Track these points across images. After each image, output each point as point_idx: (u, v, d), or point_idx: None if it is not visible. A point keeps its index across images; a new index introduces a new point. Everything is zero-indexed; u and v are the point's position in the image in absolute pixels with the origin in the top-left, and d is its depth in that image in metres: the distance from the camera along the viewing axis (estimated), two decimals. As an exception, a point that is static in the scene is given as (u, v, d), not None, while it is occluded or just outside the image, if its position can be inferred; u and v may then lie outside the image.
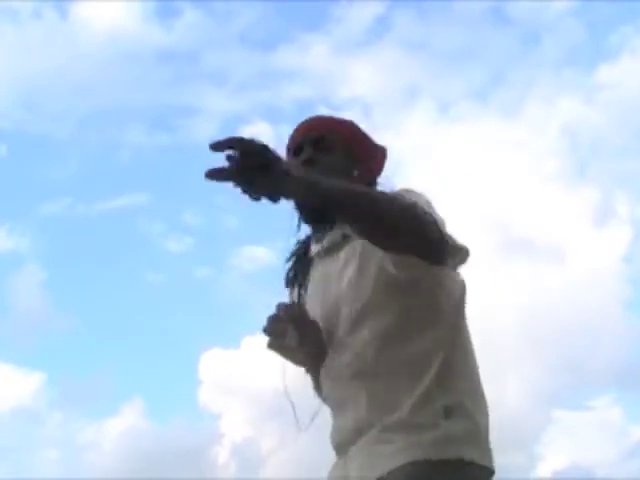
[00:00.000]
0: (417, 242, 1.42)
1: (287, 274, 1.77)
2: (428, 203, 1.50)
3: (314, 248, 1.70)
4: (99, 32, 10.35)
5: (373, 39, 10.95)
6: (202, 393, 9.72)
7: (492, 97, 10.88)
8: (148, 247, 10.97)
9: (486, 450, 1.52)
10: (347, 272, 1.59)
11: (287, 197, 1.34)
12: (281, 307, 1.63)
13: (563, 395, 9.66)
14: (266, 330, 1.63)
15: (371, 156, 1.75)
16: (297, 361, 1.69)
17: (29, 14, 10.50)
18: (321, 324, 1.62)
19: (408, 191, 1.53)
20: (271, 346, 1.64)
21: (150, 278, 10.87)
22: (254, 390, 9.79)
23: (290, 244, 1.76)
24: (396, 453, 1.46)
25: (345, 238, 1.62)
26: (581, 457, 8.68)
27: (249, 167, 1.25)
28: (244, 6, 10.71)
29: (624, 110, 10.45)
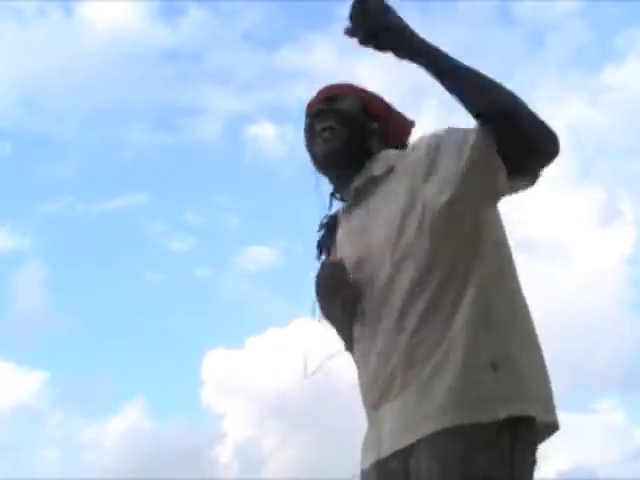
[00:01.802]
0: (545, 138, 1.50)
1: (318, 243, 1.74)
2: None
3: (340, 207, 1.71)
4: (103, 31, 10.36)
5: (377, 39, 10.89)
6: (204, 393, 9.73)
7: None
8: (150, 247, 10.97)
9: (543, 404, 1.42)
10: (383, 215, 1.55)
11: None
12: (326, 265, 1.62)
13: (566, 397, 9.60)
14: (318, 291, 1.59)
15: (392, 119, 1.76)
16: (342, 323, 1.62)
17: (33, 13, 10.53)
18: (356, 272, 1.56)
19: None
20: (323, 310, 1.60)
21: (152, 278, 10.87)
22: (256, 390, 9.80)
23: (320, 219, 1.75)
24: (434, 415, 1.37)
25: (372, 181, 1.63)
26: (584, 459, 8.65)
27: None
28: (248, 5, 10.71)
29: (629, 111, 10.43)
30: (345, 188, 1.68)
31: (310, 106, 1.78)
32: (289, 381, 9.42)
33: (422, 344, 1.43)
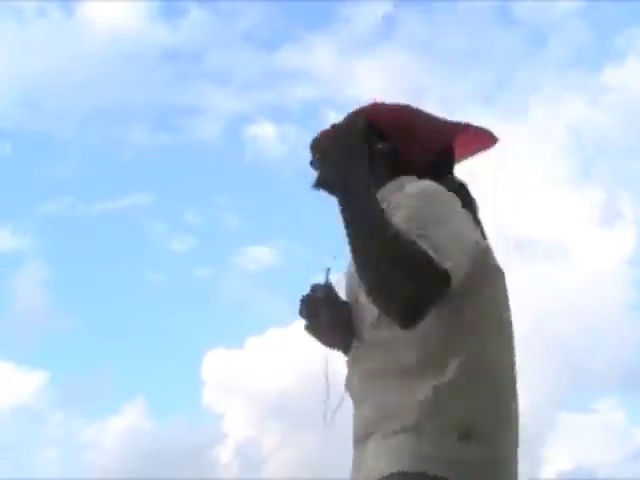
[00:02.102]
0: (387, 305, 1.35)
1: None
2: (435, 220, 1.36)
3: None
4: (103, 31, 10.36)
5: (378, 39, 10.94)
6: (205, 393, 9.73)
7: (498, 98, 10.85)
8: (150, 247, 10.97)
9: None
10: None
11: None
12: (314, 287, 1.55)
13: (567, 397, 9.64)
14: (300, 312, 1.56)
15: (408, 132, 1.57)
16: (329, 344, 1.60)
17: (33, 13, 10.52)
18: (351, 307, 1.53)
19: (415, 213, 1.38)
20: (307, 329, 1.58)
21: (152, 278, 10.88)
22: (257, 390, 9.80)
23: None
24: (386, 461, 1.38)
25: None
26: (585, 459, 8.66)
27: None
28: (249, 5, 10.72)
29: (630, 111, 10.42)
30: None
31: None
32: (289, 381, 9.44)
33: (392, 398, 1.41)
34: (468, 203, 1.52)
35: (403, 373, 1.41)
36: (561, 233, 9.96)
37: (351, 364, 1.53)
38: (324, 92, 10.95)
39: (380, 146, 1.56)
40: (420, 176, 1.53)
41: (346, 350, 1.56)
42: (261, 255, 10.69)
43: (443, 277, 1.30)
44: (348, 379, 1.54)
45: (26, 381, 9.80)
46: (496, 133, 1.63)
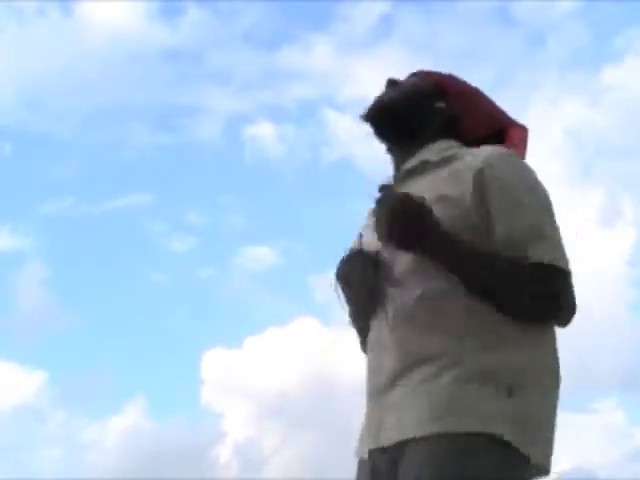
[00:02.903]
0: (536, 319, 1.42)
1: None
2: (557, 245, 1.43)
3: (393, 175, 1.58)
4: (103, 31, 10.37)
5: (377, 39, 10.94)
6: (204, 392, 9.73)
7: (497, 98, 10.82)
8: (151, 247, 10.98)
9: (540, 444, 1.36)
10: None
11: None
12: (352, 252, 1.52)
13: (566, 397, 9.59)
14: (339, 274, 1.52)
15: (471, 105, 1.61)
16: (355, 305, 1.55)
17: (33, 13, 10.53)
18: (382, 253, 1.48)
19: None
20: (340, 278, 1.52)
21: (153, 278, 10.88)
22: (256, 390, 9.80)
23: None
24: (441, 417, 1.33)
25: (424, 165, 1.52)
26: (584, 459, 8.65)
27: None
28: (248, 5, 10.73)
29: (629, 112, 10.44)
30: (399, 160, 1.58)
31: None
32: (289, 381, 9.44)
33: (434, 343, 1.39)
34: None
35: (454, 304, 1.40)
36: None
37: (382, 314, 1.47)
38: (323, 91, 10.97)
39: (440, 105, 1.59)
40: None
41: (365, 318, 1.52)
42: (261, 255, 10.71)
43: (568, 277, 1.42)
44: (376, 330, 1.49)
45: (27, 381, 9.82)
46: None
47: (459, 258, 1.39)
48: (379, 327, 1.48)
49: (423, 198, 1.37)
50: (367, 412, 1.48)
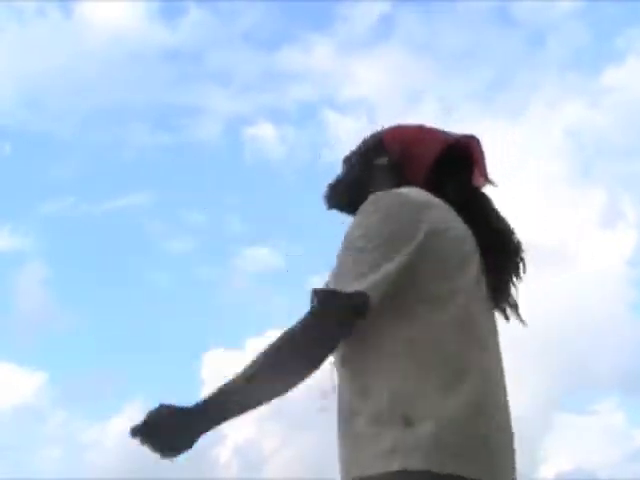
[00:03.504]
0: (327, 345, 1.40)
1: None
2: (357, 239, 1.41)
3: None
4: (103, 31, 10.36)
5: (377, 39, 10.94)
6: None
7: (497, 98, 10.86)
8: (151, 247, 10.98)
9: (440, 455, 1.32)
10: None
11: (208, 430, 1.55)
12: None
13: (566, 398, 9.64)
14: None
15: (410, 150, 1.60)
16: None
17: (33, 13, 10.52)
18: None
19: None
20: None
21: (153, 278, 10.88)
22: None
23: None
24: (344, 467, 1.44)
25: None
26: (584, 460, 8.66)
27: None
28: (248, 6, 10.72)
29: (630, 112, 10.43)
30: None
31: None
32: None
33: (346, 394, 1.45)
34: (477, 211, 1.53)
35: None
36: (562, 235, 9.98)
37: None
38: (323, 92, 10.97)
39: (379, 161, 1.61)
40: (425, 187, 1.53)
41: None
42: (262, 256, 10.70)
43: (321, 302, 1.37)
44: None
45: (27, 381, 9.82)
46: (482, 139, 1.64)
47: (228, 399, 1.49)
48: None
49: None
50: None
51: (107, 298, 10.35)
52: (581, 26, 10.26)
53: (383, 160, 1.61)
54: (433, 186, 1.53)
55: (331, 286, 1.39)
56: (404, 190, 1.49)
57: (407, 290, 1.39)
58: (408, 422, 1.33)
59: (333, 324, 1.37)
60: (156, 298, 10.53)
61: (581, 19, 10.58)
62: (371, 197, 1.46)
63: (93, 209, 10.76)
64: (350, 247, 1.42)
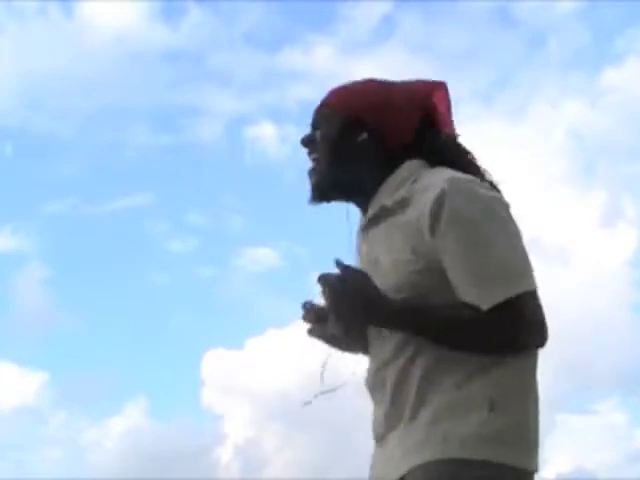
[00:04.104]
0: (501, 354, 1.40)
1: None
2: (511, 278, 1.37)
3: (361, 222, 1.56)
4: (104, 31, 10.35)
5: (378, 40, 10.93)
6: (204, 393, 9.72)
7: (497, 99, 10.85)
8: (152, 247, 10.96)
9: (525, 450, 1.37)
10: (378, 252, 1.47)
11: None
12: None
13: (567, 398, 9.63)
14: (304, 317, 1.55)
15: (387, 118, 1.51)
16: (341, 347, 1.58)
17: (34, 12, 10.50)
18: None
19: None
20: (311, 333, 1.56)
21: (154, 278, 10.87)
22: (257, 391, 9.79)
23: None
24: (419, 448, 1.36)
25: (382, 211, 1.48)
26: (585, 460, 8.66)
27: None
28: (249, 6, 10.71)
29: (630, 113, 10.42)
30: (363, 208, 1.55)
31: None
32: (289, 382, 9.43)
33: (416, 383, 1.41)
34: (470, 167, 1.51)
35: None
36: (563, 235, 9.97)
37: (370, 359, 1.51)
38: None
39: (362, 137, 1.51)
40: (411, 154, 1.51)
41: (363, 351, 1.55)
42: (262, 256, 10.70)
43: (525, 302, 1.38)
44: (367, 372, 1.52)
45: (28, 381, 9.81)
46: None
47: (409, 323, 1.38)
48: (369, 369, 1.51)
49: (362, 271, 1.39)
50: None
51: (108, 298, 10.36)
52: (581, 26, 10.26)
53: (363, 136, 1.51)
54: (411, 148, 1.51)
55: (500, 285, 1.35)
56: (480, 184, 1.45)
57: None
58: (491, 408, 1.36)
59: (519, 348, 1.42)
60: (156, 298, 10.54)
61: (581, 19, 10.58)
62: (465, 190, 1.40)
63: (94, 209, 10.75)
64: (507, 240, 1.40)
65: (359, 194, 1.54)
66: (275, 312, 10.07)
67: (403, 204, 1.44)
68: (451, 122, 1.57)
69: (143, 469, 8.35)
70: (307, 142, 1.57)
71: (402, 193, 1.46)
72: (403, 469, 1.37)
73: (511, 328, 1.37)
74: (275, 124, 10.64)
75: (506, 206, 1.44)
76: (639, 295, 9.97)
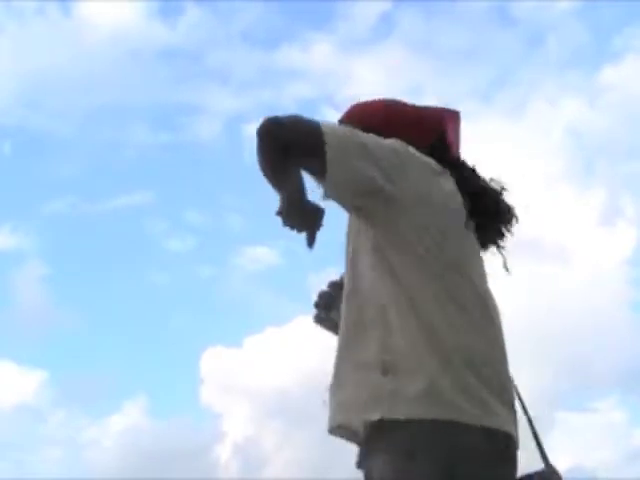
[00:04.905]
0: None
1: None
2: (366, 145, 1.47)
3: None
4: (102, 30, 10.37)
5: (377, 38, 10.94)
6: (204, 392, 9.73)
7: (496, 97, 10.87)
8: (151, 246, 10.97)
9: (431, 403, 1.38)
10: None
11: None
12: (330, 283, 1.68)
13: (567, 397, 9.64)
14: (317, 304, 1.68)
15: (404, 129, 1.61)
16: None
17: (33, 11, 10.51)
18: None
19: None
20: (318, 320, 1.68)
21: (153, 277, 10.89)
22: (256, 389, 9.79)
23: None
24: (334, 411, 1.47)
25: None
26: (584, 459, 8.64)
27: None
28: (247, 4, 10.74)
29: (629, 111, 10.43)
30: None
31: None
32: (288, 380, 9.44)
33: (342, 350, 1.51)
34: (471, 189, 1.59)
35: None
36: (562, 233, 9.97)
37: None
38: (322, 90, 10.95)
39: None
40: None
41: None
42: (261, 255, 10.70)
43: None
44: None
45: (27, 380, 9.82)
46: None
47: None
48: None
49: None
50: None
51: (107, 296, 10.37)
52: (580, 25, 10.27)
53: None
54: None
55: None
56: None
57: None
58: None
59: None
60: (156, 297, 10.55)
61: (580, 18, 10.57)
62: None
63: (93, 208, 10.77)
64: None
65: None
66: (274, 310, 10.09)
67: None
68: (458, 147, 1.69)
69: (142, 467, 8.36)
70: None
71: None
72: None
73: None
74: (273, 122, 10.61)
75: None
76: (638, 294, 10.00)
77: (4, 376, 9.81)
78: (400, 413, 1.37)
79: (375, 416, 1.39)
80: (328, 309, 1.64)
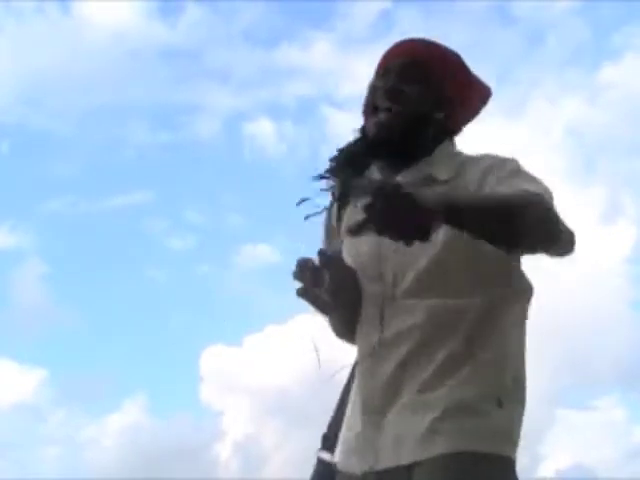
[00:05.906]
0: (547, 247, 1.44)
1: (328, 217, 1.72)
2: (547, 190, 1.50)
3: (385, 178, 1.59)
4: (102, 29, 10.34)
5: (377, 36, 10.91)
6: (203, 390, 9.72)
7: (496, 95, 10.80)
8: (151, 244, 10.95)
9: (517, 441, 1.46)
10: None
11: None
12: (318, 253, 1.54)
13: (566, 394, 9.64)
14: (296, 275, 1.50)
15: (466, 99, 1.66)
16: (327, 309, 1.57)
17: (32, 10, 10.48)
18: (368, 275, 1.54)
19: (527, 178, 1.52)
20: (301, 294, 1.51)
21: (153, 275, 10.86)
22: (256, 387, 9.79)
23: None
24: (435, 439, 1.38)
25: (427, 180, 1.54)
26: (584, 457, 8.65)
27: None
28: (247, 3, 10.69)
29: (629, 109, 10.41)
30: (386, 169, 1.60)
31: (384, 58, 1.65)
32: (288, 378, 9.43)
33: (443, 365, 1.44)
34: None
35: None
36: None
37: (389, 326, 1.51)
38: (322, 89, 10.94)
39: (439, 116, 1.62)
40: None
41: (348, 313, 1.56)
42: (261, 253, 10.69)
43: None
44: (368, 344, 1.52)
45: (26, 378, 9.80)
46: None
47: (457, 201, 1.36)
48: (383, 343, 1.49)
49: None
50: (359, 427, 1.51)
51: (107, 295, 10.35)
52: (580, 23, 10.25)
53: (440, 115, 1.62)
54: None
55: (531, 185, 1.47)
56: None
57: None
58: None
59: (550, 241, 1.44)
60: (155, 295, 10.53)
61: (580, 16, 10.55)
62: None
63: (92, 207, 10.74)
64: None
65: (403, 156, 1.60)
66: (274, 309, 10.07)
67: (454, 179, 1.55)
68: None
69: (142, 466, 8.36)
70: (396, 93, 1.59)
71: (458, 168, 1.57)
72: (416, 456, 1.39)
73: (557, 216, 1.43)
74: (273, 121, 10.63)
75: None
76: (639, 292, 9.98)
77: (3, 375, 9.82)
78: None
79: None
80: (314, 283, 1.49)
